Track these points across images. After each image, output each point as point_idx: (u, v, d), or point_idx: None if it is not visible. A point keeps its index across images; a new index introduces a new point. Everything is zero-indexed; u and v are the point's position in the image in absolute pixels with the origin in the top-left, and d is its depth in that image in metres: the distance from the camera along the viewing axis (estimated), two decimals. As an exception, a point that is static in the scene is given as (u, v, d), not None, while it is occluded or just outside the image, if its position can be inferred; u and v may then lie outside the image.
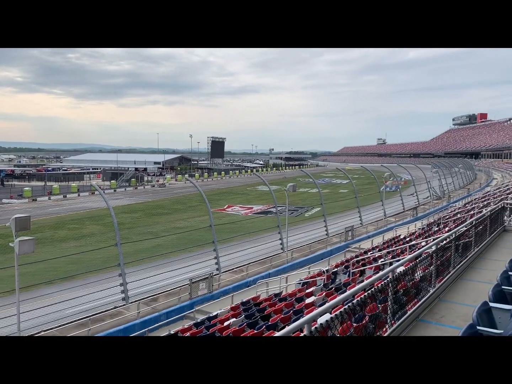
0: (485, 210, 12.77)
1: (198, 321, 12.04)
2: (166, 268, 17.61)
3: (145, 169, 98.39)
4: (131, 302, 14.96)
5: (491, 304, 4.07)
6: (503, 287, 4.70)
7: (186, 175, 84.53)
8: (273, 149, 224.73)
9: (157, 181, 79.42)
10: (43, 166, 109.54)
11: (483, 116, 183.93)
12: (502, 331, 3.44)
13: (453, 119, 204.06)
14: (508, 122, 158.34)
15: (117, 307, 14.69)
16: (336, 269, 16.09)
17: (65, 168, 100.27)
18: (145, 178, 79.94)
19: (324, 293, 12.00)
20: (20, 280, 11.97)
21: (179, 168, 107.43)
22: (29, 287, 15.25)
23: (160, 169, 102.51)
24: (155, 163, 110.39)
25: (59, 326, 12.91)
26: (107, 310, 14.37)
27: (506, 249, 9.68)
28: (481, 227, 10.22)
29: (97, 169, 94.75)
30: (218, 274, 17.93)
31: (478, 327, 3.45)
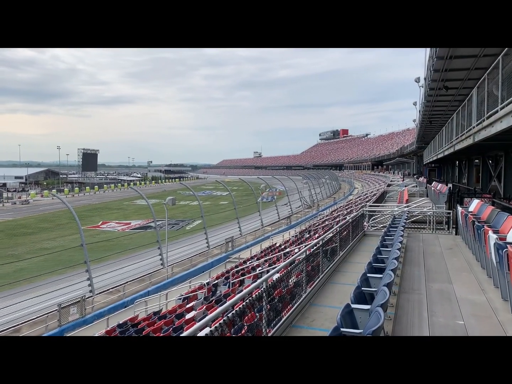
0: (349, 217, 14.09)
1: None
2: (31, 294, 16.04)
3: (4, 184, 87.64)
4: (-14, 337, 13.06)
5: (353, 306, 4.44)
6: (362, 288, 5.19)
7: (54, 190, 77.41)
8: (151, 162, 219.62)
9: (19, 197, 71.26)
10: None
11: (345, 131, 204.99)
12: (361, 330, 3.77)
13: (320, 134, 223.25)
14: (365, 137, 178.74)
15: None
16: (216, 281, 16.16)
17: None
18: (5, 195, 71.18)
19: (204, 307, 11.95)
20: None
21: (45, 183, 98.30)
22: None
23: (23, 184, 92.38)
24: (17, 177, 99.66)
25: None
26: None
27: (365, 252, 10.76)
28: (345, 232, 11.24)
29: None
30: (91, 296, 16.70)
31: (341, 329, 3.73)
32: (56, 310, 14.42)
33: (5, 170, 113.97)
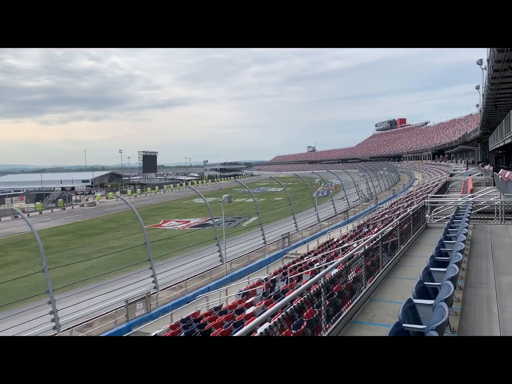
0: (409, 209, 13.61)
1: (137, 343, 11.55)
2: (101, 290, 16.88)
3: (73, 188, 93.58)
4: (63, 331, 14.05)
5: (415, 301, 4.31)
6: (425, 283, 5.01)
7: (117, 192, 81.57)
8: (207, 161, 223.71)
9: (87, 200, 75.85)
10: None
11: (403, 121, 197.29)
12: (425, 326, 3.65)
13: (376, 125, 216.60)
14: (424, 126, 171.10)
15: (47, 338, 13.72)
16: (274, 277, 16.26)
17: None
18: (73, 198, 76.12)
19: (263, 302, 12.07)
20: None
21: (109, 185, 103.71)
22: None
23: (89, 187, 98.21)
24: (84, 181, 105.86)
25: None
26: (36, 342, 13.34)
27: (428, 245, 10.35)
28: (406, 225, 10.87)
29: (20, 191, 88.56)
30: (155, 292, 17.39)
31: (404, 325, 3.64)
32: (124, 306, 15.16)
33: (73, 174, 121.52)
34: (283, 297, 11.26)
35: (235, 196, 59.15)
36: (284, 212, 33.40)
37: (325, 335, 5.14)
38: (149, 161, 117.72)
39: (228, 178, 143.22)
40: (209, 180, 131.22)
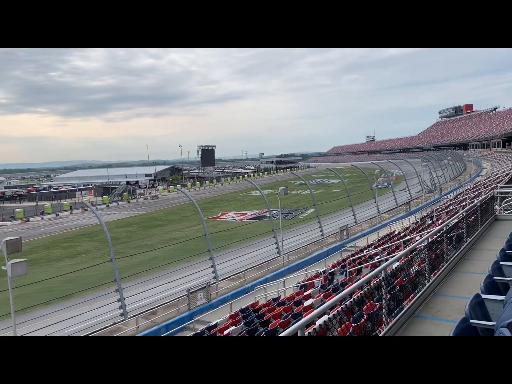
0: (477, 200, 12.87)
1: (198, 331, 11.97)
2: (164, 280, 17.57)
3: (137, 182, 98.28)
4: (130, 317, 14.85)
5: (483, 296, 4.08)
6: (494, 277, 4.72)
7: (178, 185, 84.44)
8: (263, 154, 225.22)
9: (150, 193, 79.33)
10: (34, 186, 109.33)
11: (469, 107, 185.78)
12: (494, 322, 3.46)
13: (439, 112, 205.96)
14: (493, 111, 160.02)
15: (116, 323, 14.57)
16: (333, 270, 16.07)
17: (56, 187, 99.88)
18: (138, 191, 79.90)
19: (322, 295, 11.99)
20: (15, 303, 11.82)
21: (171, 179, 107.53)
22: (26, 309, 15.08)
23: (152, 181, 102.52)
24: (147, 175, 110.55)
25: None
26: (106, 327, 14.24)
27: (497, 238, 9.73)
28: (472, 217, 10.30)
29: (89, 185, 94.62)
30: (215, 282, 17.86)
31: (471, 320, 3.47)
32: (186, 295, 15.72)
33: (137, 169, 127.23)
34: (342, 290, 11.12)
35: (292, 188, 59.04)
36: (342, 204, 32.82)
37: (386, 329, 5.02)
38: (207, 155, 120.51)
39: (284, 170, 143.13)
40: (265, 172, 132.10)
